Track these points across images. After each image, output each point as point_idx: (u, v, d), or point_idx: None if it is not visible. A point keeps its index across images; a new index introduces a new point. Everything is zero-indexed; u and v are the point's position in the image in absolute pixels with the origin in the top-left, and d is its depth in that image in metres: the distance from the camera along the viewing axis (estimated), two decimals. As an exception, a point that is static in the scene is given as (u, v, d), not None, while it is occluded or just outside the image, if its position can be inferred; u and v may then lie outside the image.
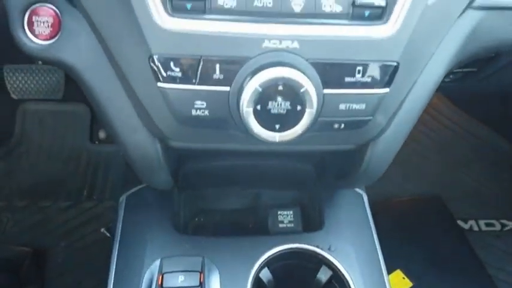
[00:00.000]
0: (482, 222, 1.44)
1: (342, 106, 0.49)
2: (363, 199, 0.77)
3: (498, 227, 1.44)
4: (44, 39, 0.54)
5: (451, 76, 0.70)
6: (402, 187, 1.52)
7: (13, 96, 1.23)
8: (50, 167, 1.56)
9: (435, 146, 1.66)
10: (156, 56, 0.47)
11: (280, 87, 0.45)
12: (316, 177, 0.79)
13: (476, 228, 1.44)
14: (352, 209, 0.74)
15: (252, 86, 0.45)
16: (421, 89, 0.55)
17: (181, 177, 0.77)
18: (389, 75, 0.49)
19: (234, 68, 0.47)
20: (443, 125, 1.71)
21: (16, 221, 1.42)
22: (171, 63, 0.46)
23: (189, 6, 0.46)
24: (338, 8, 0.47)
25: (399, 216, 1.43)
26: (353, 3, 0.47)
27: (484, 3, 0.55)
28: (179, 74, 0.47)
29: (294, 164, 0.77)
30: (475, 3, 0.54)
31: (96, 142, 1.57)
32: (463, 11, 0.54)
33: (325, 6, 0.46)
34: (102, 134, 1.58)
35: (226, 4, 0.46)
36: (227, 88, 0.47)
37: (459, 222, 1.44)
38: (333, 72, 0.48)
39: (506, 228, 1.44)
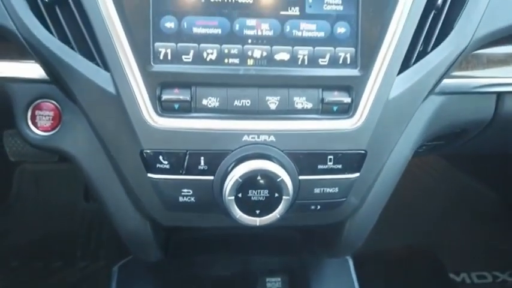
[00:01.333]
0: (474, 275, 1.45)
1: (317, 190, 0.54)
2: (348, 265, 0.80)
3: (490, 279, 1.45)
4: (45, 131, 0.59)
5: (423, 147, 0.76)
6: (391, 238, 1.54)
7: (11, 158, 1.28)
8: (44, 225, 1.58)
9: (422, 196, 1.70)
10: (147, 151, 0.52)
11: (259, 178, 0.50)
12: (303, 243, 0.82)
13: (468, 281, 1.45)
14: (338, 275, 0.77)
15: (234, 177, 0.50)
16: (391, 169, 0.60)
17: (171, 246, 0.80)
18: (358, 162, 0.54)
19: (217, 160, 0.52)
20: (428, 173, 1.76)
21: (9, 282, 1.42)
22: (161, 157, 0.51)
23: (176, 106, 0.51)
24: (309, 105, 0.53)
25: (389, 268, 1.45)
26: (322, 101, 0.53)
27: (444, 89, 0.62)
28: (167, 166, 0.52)
29: (281, 232, 0.81)
30: (436, 90, 0.61)
31: (91, 201, 1.61)
32: (425, 98, 0.60)
33: (298, 104, 0.52)
34: (96, 193, 1.61)
35: (210, 104, 0.52)
36: (211, 177, 0.52)
37: (451, 275, 1.45)
38: (306, 161, 0.53)
39: (498, 280, 1.45)
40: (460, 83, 0.63)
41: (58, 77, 0.54)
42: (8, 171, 1.60)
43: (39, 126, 0.59)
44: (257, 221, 0.51)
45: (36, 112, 0.59)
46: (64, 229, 1.59)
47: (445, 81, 0.61)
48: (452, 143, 0.75)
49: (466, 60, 0.62)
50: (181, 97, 0.51)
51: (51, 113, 0.59)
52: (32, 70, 0.57)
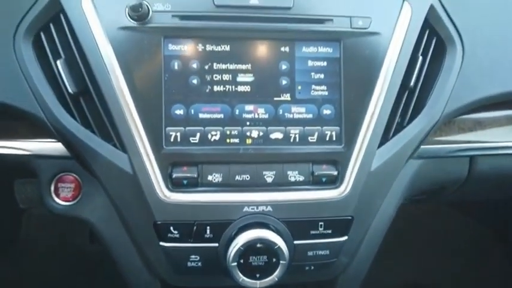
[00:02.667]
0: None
1: (310, 253, 0.61)
2: None
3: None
4: (67, 201, 0.66)
5: (406, 201, 0.83)
6: (390, 275, 1.58)
7: (21, 205, 1.34)
8: (50, 269, 1.63)
9: (420, 233, 1.74)
10: (159, 222, 0.59)
11: (259, 245, 0.57)
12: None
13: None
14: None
15: (236, 246, 0.57)
16: (377, 228, 0.67)
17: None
18: (346, 226, 0.61)
19: (221, 228, 0.59)
20: (426, 211, 1.81)
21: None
22: (171, 228, 0.59)
23: (185, 182, 0.59)
24: (301, 178, 0.60)
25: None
26: (312, 173, 0.60)
27: (422, 154, 0.69)
28: (177, 235, 0.59)
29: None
30: (414, 155, 0.68)
31: (96, 243, 1.65)
32: (404, 164, 0.67)
33: (291, 177, 0.60)
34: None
35: (214, 179, 0.59)
36: (216, 244, 0.59)
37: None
38: (300, 227, 0.60)
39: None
40: (436, 148, 0.71)
41: (80, 155, 0.62)
42: (17, 217, 1.65)
43: (61, 197, 0.66)
44: (257, 283, 0.58)
45: (59, 184, 0.66)
46: (70, 272, 1.63)
47: (422, 147, 0.69)
48: (433, 197, 0.82)
49: (439, 128, 0.70)
50: (189, 174, 0.59)
51: (72, 185, 0.66)
52: (56, 148, 0.65)
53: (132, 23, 0.58)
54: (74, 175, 0.66)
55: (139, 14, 0.57)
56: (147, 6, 0.58)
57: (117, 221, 0.64)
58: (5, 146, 0.66)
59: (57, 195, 0.66)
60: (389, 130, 0.63)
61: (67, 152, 0.64)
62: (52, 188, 0.66)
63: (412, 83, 0.63)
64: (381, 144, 0.62)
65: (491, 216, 1.58)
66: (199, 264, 0.60)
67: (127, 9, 0.58)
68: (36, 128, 0.64)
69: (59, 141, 0.63)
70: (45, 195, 0.65)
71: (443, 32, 0.65)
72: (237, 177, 0.59)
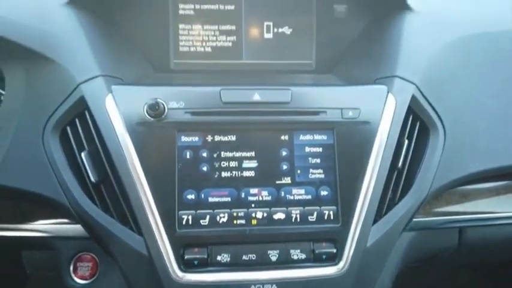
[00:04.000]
0: None
1: None
2: None
3: None
4: (84, 279, 0.71)
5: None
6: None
7: (28, 271, 1.36)
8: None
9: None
10: (172, 303, 0.63)
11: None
12: None
13: None
14: None
15: None
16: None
17: None
18: None
19: None
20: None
21: None
22: None
23: (196, 262, 0.64)
24: (303, 256, 0.65)
25: None
26: (313, 251, 0.65)
27: (413, 226, 0.75)
28: None
29: None
30: (407, 228, 0.74)
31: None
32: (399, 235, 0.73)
33: (294, 255, 0.65)
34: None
35: (223, 259, 0.64)
36: None
37: None
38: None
39: None
40: (426, 221, 0.77)
41: (98, 237, 0.67)
42: (22, 282, 1.66)
43: (79, 275, 0.71)
44: None
45: (78, 264, 0.71)
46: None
47: (414, 220, 0.74)
48: (428, 264, 0.86)
49: (429, 203, 0.76)
50: (199, 256, 0.64)
51: (90, 264, 0.71)
52: (75, 229, 0.70)
53: (150, 119, 0.66)
54: (92, 254, 0.71)
55: (156, 112, 0.65)
56: (163, 104, 0.66)
57: None
58: (28, 229, 0.72)
59: (76, 274, 0.71)
60: (382, 207, 0.69)
61: (86, 233, 0.70)
62: (71, 268, 0.70)
63: (400, 165, 0.70)
64: (375, 221, 0.68)
65: (499, 273, 1.59)
66: None
67: (145, 107, 0.66)
68: (56, 210, 0.70)
69: (79, 224, 0.68)
70: (64, 274, 0.70)
71: (425, 117, 0.73)
72: (244, 257, 0.64)
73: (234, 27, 0.87)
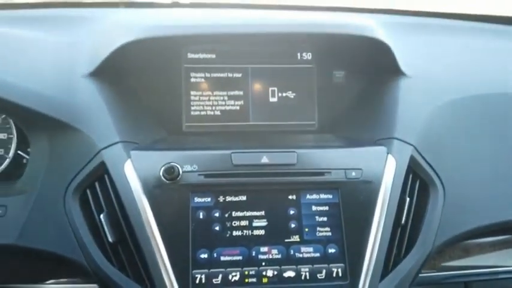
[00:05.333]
0: None
1: None
2: None
3: None
4: None
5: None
6: None
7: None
8: None
9: None
10: None
11: None
12: None
13: None
14: None
15: None
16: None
17: None
18: None
19: None
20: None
21: None
22: None
23: None
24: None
25: None
26: None
27: (420, 282, 0.77)
28: None
29: None
30: (414, 283, 0.75)
31: None
32: None
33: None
34: None
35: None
36: None
37: None
38: None
39: None
40: (432, 276, 0.78)
41: None
42: None
43: None
44: None
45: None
46: None
47: (420, 275, 0.76)
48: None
49: (433, 258, 0.78)
50: None
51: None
52: (91, 288, 0.72)
53: (166, 182, 0.70)
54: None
55: (171, 175, 0.70)
56: (177, 167, 0.70)
57: None
58: (46, 288, 0.74)
59: None
60: (388, 263, 0.71)
61: None
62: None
63: (403, 221, 0.73)
64: (383, 277, 0.70)
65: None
66: None
67: (161, 170, 0.70)
68: (73, 270, 0.72)
69: (96, 283, 0.71)
70: None
71: (424, 176, 0.77)
72: None
73: (241, 93, 0.94)
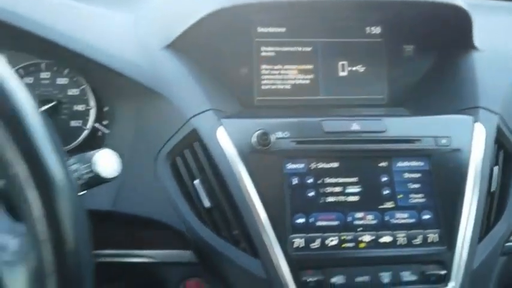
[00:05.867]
0: None
1: None
2: None
3: None
4: (192, 305, 0.72)
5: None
6: None
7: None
8: None
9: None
10: None
11: None
12: None
13: None
14: None
15: None
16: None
17: None
18: None
19: None
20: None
21: None
22: None
23: (312, 285, 0.65)
24: (413, 278, 0.67)
25: None
26: (422, 273, 0.67)
27: (506, 250, 0.77)
28: None
29: None
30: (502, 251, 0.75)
31: None
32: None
33: (404, 277, 0.67)
34: None
35: (337, 281, 0.66)
36: None
37: None
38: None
39: None
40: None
41: (211, 262, 0.69)
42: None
43: (187, 300, 0.72)
44: None
45: (184, 291, 0.73)
46: None
47: (506, 244, 0.76)
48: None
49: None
50: (314, 278, 0.66)
51: (198, 291, 0.73)
52: (184, 255, 0.73)
53: (259, 148, 0.70)
54: (198, 280, 0.72)
55: (264, 141, 0.70)
56: (270, 134, 0.70)
57: None
58: (137, 254, 0.74)
59: (184, 299, 0.72)
60: (481, 231, 0.71)
61: (193, 258, 0.72)
62: (179, 292, 0.72)
63: (493, 189, 0.73)
64: (478, 242, 0.70)
65: None
66: None
67: (254, 137, 0.70)
68: (165, 237, 0.72)
69: (189, 250, 0.71)
70: None
71: (509, 145, 0.77)
72: (358, 279, 0.66)
73: (311, 67, 0.94)
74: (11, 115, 0.35)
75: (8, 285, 0.37)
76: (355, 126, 0.73)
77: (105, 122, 0.85)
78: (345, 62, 0.96)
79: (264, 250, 0.66)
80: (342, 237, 0.68)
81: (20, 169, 0.34)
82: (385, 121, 0.74)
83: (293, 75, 0.95)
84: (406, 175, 0.72)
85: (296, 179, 0.70)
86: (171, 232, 0.70)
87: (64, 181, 0.36)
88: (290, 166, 0.71)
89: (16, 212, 0.38)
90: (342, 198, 0.70)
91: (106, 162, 0.51)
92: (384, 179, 0.72)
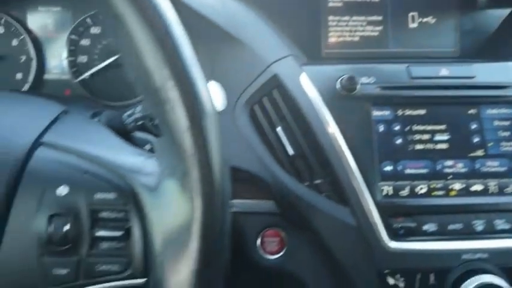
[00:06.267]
0: None
1: None
2: None
3: None
4: (272, 254, 0.71)
5: None
6: None
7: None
8: None
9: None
10: (383, 271, 0.63)
11: (485, 290, 0.60)
12: None
13: None
14: None
15: None
16: None
17: None
18: None
19: (443, 275, 0.63)
20: None
21: None
22: (397, 276, 0.63)
23: (402, 232, 0.64)
24: (508, 226, 0.65)
25: None
26: None
27: None
28: (403, 284, 0.62)
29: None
30: None
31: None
32: None
33: (498, 225, 0.65)
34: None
35: (429, 229, 0.64)
36: None
37: None
38: (515, 274, 0.63)
39: None
40: None
41: (292, 212, 0.67)
42: None
43: (267, 250, 0.71)
44: None
45: (265, 239, 0.72)
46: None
47: None
48: None
49: None
50: (406, 225, 0.64)
51: (277, 239, 0.72)
52: (264, 205, 0.71)
53: (344, 94, 0.68)
54: (279, 230, 0.71)
55: (350, 87, 0.67)
56: (355, 79, 0.68)
57: (325, 272, 0.68)
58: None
59: (263, 249, 0.71)
60: None
61: (272, 208, 0.71)
62: (258, 242, 0.71)
63: None
64: None
65: None
66: None
67: (339, 82, 0.68)
68: (243, 186, 0.71)
69: (270, 199, 0.69)
70: (251, 250, 0.70)
71: None
72: (450, 227, 0.64)
73: (380, 18, 0.90)
74: (165, 34, 0.34)
75: (146, 205, 0.36)
76: (443, 71, 0.70)
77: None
78: (415, 13, 0.91)
79: (354, 197, 0.64)
80: (432, 185, 0.66)
81: (171, 87, 0.33)
82: (474, 66, 0.71)
83: (361, 27, 0.91)
84: (496, 123, 0.69)
85: (383, 125, 0.68)
86: (250, 182, 0.69)
87: (210, 103, 0.35)
88: (376, 112, 0.68)
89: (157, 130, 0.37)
90: (430, 145, 0.68)
91: (214, 94, 0.49)
92: (474, 126, 0.69)
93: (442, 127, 0.69)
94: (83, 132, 0.42)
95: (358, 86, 0.68)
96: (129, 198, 0.36)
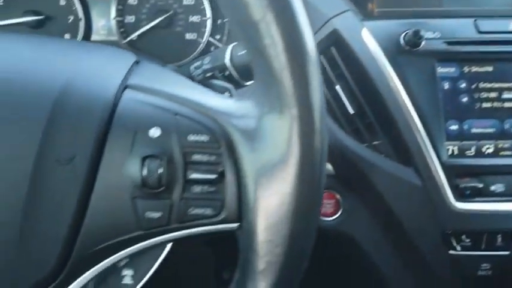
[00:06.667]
0: None
1: None
2: None
3: None
4: (328, 217, 0.70)
5: None
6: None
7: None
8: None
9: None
10: (448, 232, 0.61)
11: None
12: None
13: None
14: None
15: None
16: None
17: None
18: None
19: (510, 236, 0.61)
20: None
21: None
22: (463, 237, 0.61)
23: (468, 192, 0.62)
24: None
25: None
26: None
27: None
28: (469, 244, 0.61)
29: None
30: None
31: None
32: None
33: None
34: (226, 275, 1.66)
35: (497, 189, 0.62)
36: (507, 252, 0.61)
37: None
38: None
39: None
40: None
41: (352, 173, 0.66)
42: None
43: (322, 212, 0.70)
44: None
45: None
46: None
47: None
48: None
49: None
50: (473, 184, 0.62)
51: (332, 201, 0.71)
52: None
53: (408, 49, 0.65)
54: (334, 192, 0.70)
55: (414, 41, 0.64)
56: (420, 34, 0.65)
57: (384, 235, 0.67)
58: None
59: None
60: None
61: (327, 171, 0.69)
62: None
63: None
64: None
65: None
66: (490, 273, 0.61)
67: (402, 37, 0.65)
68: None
69: (327, 161, 0.68)
70: None
71: None
72: None
73: (435, -27, 0.86)
74: None
75: (240, 148, 0.34)
76: (514, 25, 0.66)
77: (217, 36, 0.81)
78: (473, -32, 0.87)
79: (418, 157, 0.62)
80: (499, 145, 0.63)
81: (271, 20, 0.31)
82: None
83: (416, -15, 0.87)
84: None
85: (448, 83, 0.65)
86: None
87: (311, 38, 0.33)
88: (441, 69, 0.65)
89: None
90: (498, 104, 0.65)
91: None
92: (544, 83, 0.65)
93: (510, 85, 0.65)
94: (164, 77, 0.41)
95: (423, 42, 0.65)
96: (222, 141, 0.34)
